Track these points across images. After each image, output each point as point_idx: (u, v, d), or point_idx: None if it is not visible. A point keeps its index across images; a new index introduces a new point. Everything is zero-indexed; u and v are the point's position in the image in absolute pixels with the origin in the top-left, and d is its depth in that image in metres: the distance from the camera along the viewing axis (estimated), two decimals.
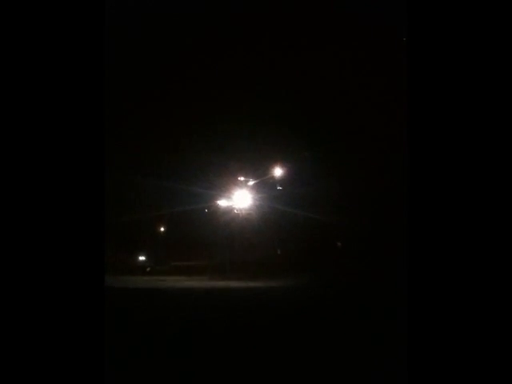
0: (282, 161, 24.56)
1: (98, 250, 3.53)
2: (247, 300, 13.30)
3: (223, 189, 25.88)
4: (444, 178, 3.64)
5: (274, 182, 24.92)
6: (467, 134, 3.60)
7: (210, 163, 24.01)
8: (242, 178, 25.85)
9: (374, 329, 7.51)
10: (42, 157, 3.53)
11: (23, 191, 3.50)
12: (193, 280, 21.73)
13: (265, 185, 25.36)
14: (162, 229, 30.66)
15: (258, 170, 25.08)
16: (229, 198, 26.27)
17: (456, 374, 3.46)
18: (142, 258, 30.50)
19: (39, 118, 3.57)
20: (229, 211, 26.22)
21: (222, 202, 26.50)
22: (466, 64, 3.64)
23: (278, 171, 24.76)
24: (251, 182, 25.72)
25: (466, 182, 3.58)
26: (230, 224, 26.07)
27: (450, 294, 3.52)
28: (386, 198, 20.57)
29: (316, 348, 6.40)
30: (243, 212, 25.97)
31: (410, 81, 3.77)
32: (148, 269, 29.03)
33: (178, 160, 24.48)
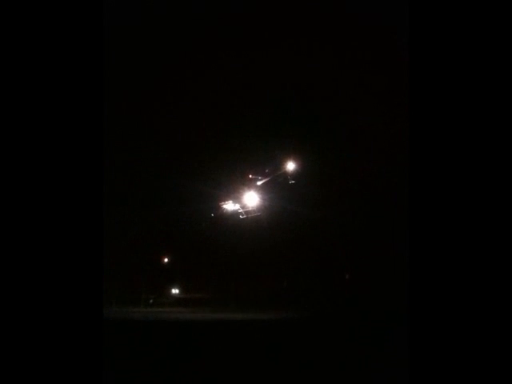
0: (293, 156, 23.80)
1: (97, 275, 3.51)
2: (246, 332, 13.27)
3: (230, 188, 25.18)
4: (446, 180, 3.61)
5: (285, 178, 23.93)
6: (467, 135, 3.58)
7: (217, 161, 23.56)
8: (250, 176, 25.02)
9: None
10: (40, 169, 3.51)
11: (22, 201, 3.48)
12: (196, 312, 21.84)
13: (275, 183, 24.50)
14: (166, 260, 30.50)
15: (267, 167, 24.31)
16: (236, 198, 25.44)
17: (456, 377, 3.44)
18: (175, 290, 30.48)
19: (39, 118, 3.56)
20: (235, 215, 25.46)
21: (229, 206, 25.78)
22: (467, 64, 3.62)
23: (290, 165, 23.74)
24: (260, 182, 24.90)
25: (468, 183, 3.56)
26: (236, 246, 25.41)
27: (451, 302, 3.50)
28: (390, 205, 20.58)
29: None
30: (251, 215, 25.22)
31: (412, 80, 3.75)
32: (151, 301, 29.14)
33: (184, 159, 24.21)
